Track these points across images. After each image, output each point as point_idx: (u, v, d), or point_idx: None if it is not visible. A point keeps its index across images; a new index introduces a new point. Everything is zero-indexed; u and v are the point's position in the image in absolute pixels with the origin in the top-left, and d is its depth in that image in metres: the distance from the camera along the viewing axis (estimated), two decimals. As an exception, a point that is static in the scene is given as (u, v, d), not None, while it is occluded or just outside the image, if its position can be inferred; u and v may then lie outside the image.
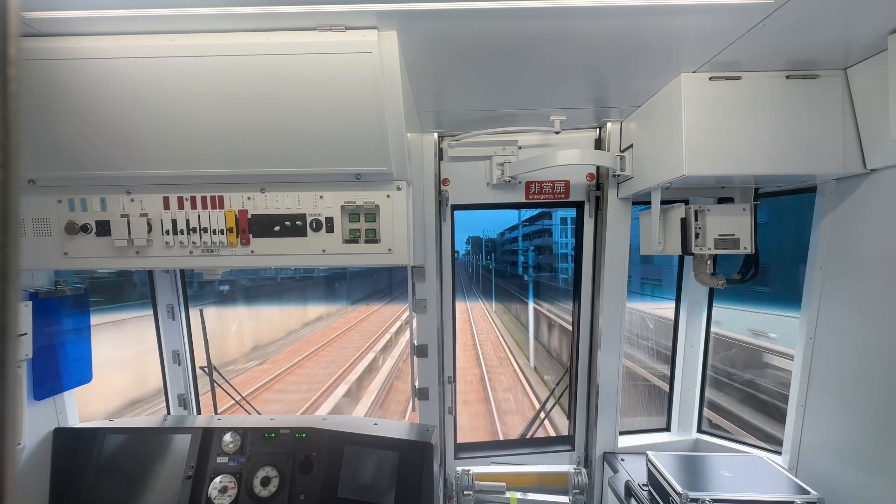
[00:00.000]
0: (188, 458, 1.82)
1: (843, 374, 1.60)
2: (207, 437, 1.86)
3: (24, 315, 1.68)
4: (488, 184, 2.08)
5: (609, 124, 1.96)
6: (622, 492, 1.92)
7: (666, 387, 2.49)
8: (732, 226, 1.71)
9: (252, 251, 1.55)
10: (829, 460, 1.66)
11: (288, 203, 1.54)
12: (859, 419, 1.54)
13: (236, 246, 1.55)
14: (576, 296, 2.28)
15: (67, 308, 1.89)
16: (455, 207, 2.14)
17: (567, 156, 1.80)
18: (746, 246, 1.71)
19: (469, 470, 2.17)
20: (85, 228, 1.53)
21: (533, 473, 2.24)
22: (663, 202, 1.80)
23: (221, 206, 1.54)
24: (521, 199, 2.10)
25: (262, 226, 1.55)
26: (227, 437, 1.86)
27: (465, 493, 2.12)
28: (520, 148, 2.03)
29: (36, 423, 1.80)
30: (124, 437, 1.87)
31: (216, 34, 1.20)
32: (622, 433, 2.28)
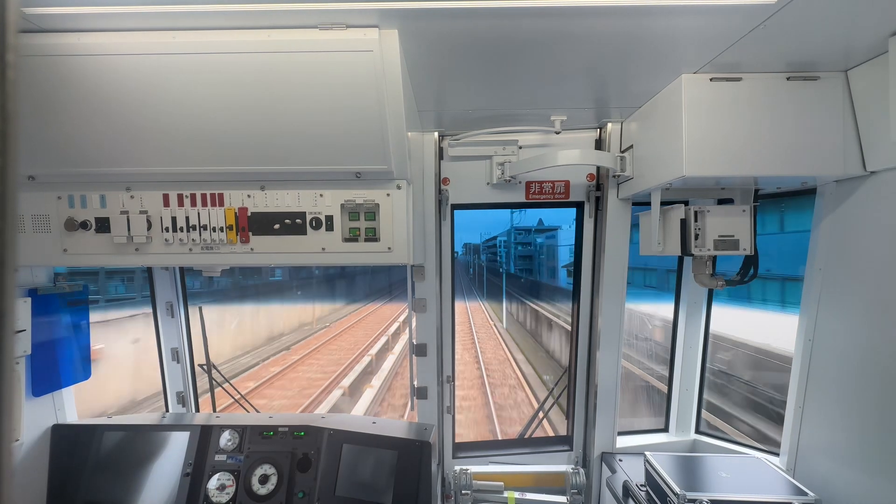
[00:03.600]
0: (186, 455, 1.82)
1: (842, 376, 1.60)
2: (206, 435, 1.86)
3: (24, 311, 1.68)
4: (488, 183, 2.08)
5: (609, 125, 1.96)
6: (620, 492, 1.92)
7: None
8: (732, 227, 1.72)
9: (252, 249, 1.55)
10: (827, 461, 1.66)
11: (288, 201, 1.54)
12: (857, 421, 1.54)
13: (236, 244, 1.55)
14: (575, 296, 2.28)
15: (66, 305, 1.89)
16: (455, 207, 2.14)
17: (567, 156, 1.80)
18: (746, 247, 1.71)
19: (467, 469, 2.17)
20: (84, 225, 1.53)
21: (531, 473, 2.25)
22: (663, 203, 1.80)
23: (221, 204, 1.54)
24: (522, 198, 2.10)
25: (262, 224, 1.55)
26: (226, 435, 1.86)
27: (463, 492, 2.12)
28: (520, 148, 2.03)
29: (34, 419, 1.80)
30: (123, 434, 1.87)
31: (217, 31, 1.20)
32: (620, 433, 2.28)
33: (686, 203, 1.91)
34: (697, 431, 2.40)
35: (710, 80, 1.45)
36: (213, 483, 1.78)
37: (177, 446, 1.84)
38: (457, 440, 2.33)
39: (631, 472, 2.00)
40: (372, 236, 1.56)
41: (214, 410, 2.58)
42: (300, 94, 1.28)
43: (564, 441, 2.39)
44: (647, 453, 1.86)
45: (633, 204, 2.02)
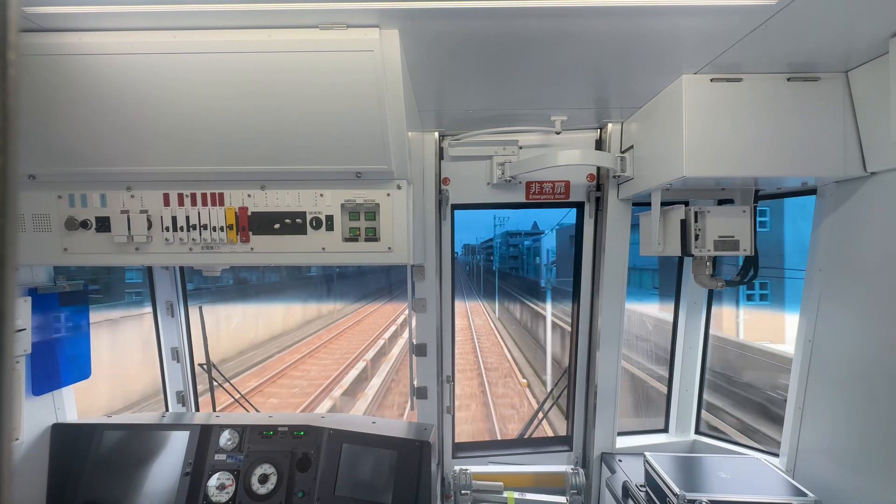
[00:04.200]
0: (186, 454, 1.82)
1: (842, 377, 1.60)
2: (206, 434, 1.87)
3: (24, 310, 1.68)
4: (489, 183, 2.08)
5: (610, 125, 1.96)
6: (619, 492, 1.92)
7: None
8: (732, 227, 1.71)
9: (252, 248, 1.55)
10: (827, 462, 1.66)
11: (288, 201, 1.54)
12: (857, 422, 1.54)
13: (236, 243, 1.55)
14: (575, 296, 2.29)
15: (66, 304, 1.89)
16: (455, 207, 2.14)
17: (567, 156, 1.80)
18: (746, 247, 1.71)
19: (467, 469, 2.17)
20: (85, 224, 1.53)
21: (530, 473, 2.25)
22: (663, 203, 1.80)
23: (221, 204, 1.54)
24: (522, 199, 2.10)
25: (262, 223, 1.55)
26: (226, 435, 1.86)
27: (463, 492, 2.12)
28: (520, 148, 2.03)
29: (34, 418, 1.80)
30: (122, 434, 1.87)
31: (218, 31, 1.20)
32: (620, 434, 2.28)
33: (686, 203, 1.91)
34: (697, 432, 2.40)
35: (711, 80, 1.45)
36: (212, 482, 1.78)
37: (177, 446, 1.84)
38: (457, 440, 2.33)
39: (630, 472, 2.00)
40: (372, 236, 1.56)
41: (214, 410, 2.58)
42: (300, 93, 1.28)
43: (564, 441, 2.39)
44: (646, 454, 1.85)
45: (634, 204, 2.02)
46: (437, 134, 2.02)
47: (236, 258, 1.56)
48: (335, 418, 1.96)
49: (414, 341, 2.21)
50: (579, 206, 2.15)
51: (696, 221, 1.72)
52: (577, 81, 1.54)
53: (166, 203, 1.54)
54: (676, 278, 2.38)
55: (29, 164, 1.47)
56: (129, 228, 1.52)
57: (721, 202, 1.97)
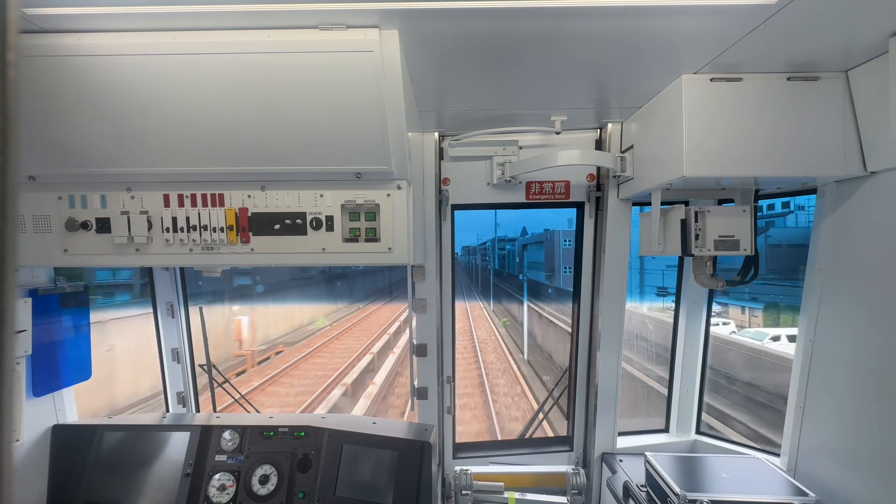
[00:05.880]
0: (187, 455, 1.82)
1: (842, 377, 1.60)
2: (206, 435, 1.86)
3: (24, 312, 1.68)
4: (489, 184, 2.08)
5: (610, 125, 1.96)
6: (620, 492, 1.92)
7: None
8: (732, 227, 1.71)
9: (252, 249, 1.55)
10: (828, 462, 1.66)
11: (288, 201, 1.54)
12: (858, 421, 1.54)
13: (236, 244, 1.55)
14: (575, 296, 2.28)
15: (67, 305, 1.89)
16: (455, 207, 2.14)
17: (567, 156, 1.80)
18: (746, 247, 1.71)
19: (467, 470, 2.17)
20: (85, 225, 1.53)
21: (531, 473, 2.25)
22: (663, 203, 1.80)
23: (222, 204, 1.54)
24: (522, 199, 2.10)
25: (262, 224, 1.55)
26: (226, 435, 1.86)
27: (464, 492, 2.12)
28: (520, 148, 2.03)
29: (35, 419, 1.80)
30: (123, 435, 1.87)
31: (217, 32, 1.20)
32: (620, 434, 2.28)
33: (686, 203, 1.91)
34: (698, 432, 2.40)
35: (711, 80, 1.45)
36: (213, 483, 1.78)
37: (177, 446, 1.84)
38: (457, 440, 2.33)
39: (631, 472, 2.00)
40: (372, 236, 1.56)
41: (215, 410, 2.58)
42: (300, 94, 1.28)
43: (565, 441, 2.39)
44: (647, 454, 1.85)
45: (634, 204, 2.02)
46: (437, 134, 2.02)
47: (236, 259, 1.56)
48: (335, 419, 1.96)
49: (414, 342, 2.21)
50: (579, 206, 2.15)
51: (696, 221, 1.72)
52: (576, 81, 1.54)
53: (166, 204, 1.54)
54: (677, 278, 2.38)
55: (29, 165, 1.47)
56: (129, 229, 1.52)
57: (721, 202, 1.97)
